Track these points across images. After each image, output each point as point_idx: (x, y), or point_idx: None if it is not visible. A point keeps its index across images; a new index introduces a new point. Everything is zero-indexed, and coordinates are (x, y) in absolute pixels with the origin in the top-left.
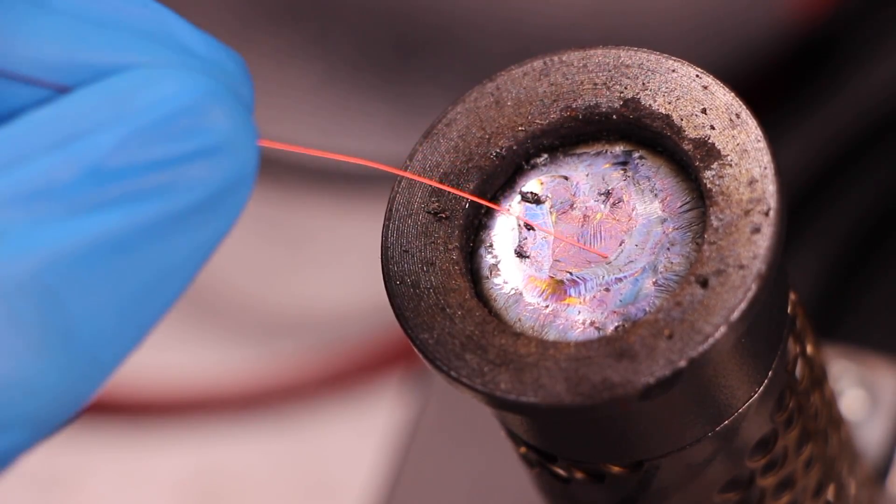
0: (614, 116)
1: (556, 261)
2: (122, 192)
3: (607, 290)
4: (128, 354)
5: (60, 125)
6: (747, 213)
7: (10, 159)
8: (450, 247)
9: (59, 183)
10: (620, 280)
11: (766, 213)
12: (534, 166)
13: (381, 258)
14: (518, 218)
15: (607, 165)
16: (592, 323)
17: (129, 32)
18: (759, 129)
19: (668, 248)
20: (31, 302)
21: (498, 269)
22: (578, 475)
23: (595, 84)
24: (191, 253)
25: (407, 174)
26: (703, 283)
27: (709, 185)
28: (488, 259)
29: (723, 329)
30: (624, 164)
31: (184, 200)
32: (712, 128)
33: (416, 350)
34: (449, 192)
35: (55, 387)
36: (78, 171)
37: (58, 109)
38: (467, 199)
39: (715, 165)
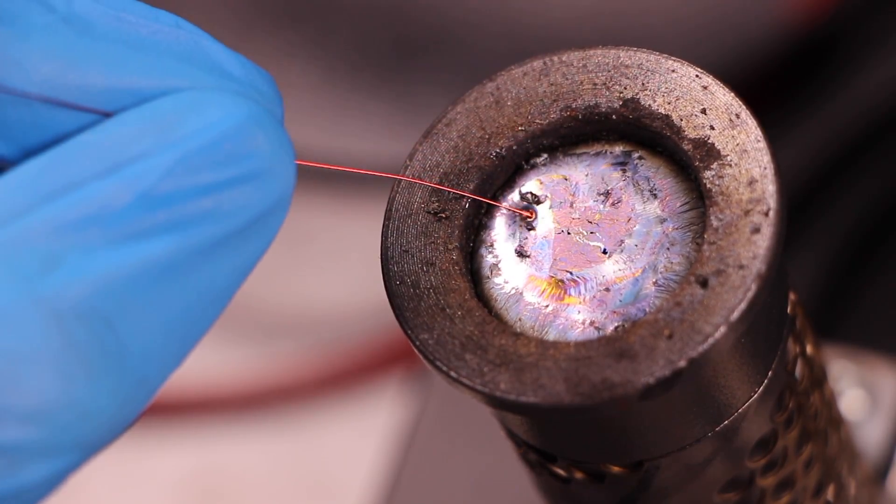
0: (614, 116)
1: (556, 260)
2: (170, 218)
3: (607, 290)
4: (172, 372)
5: (109, 150)
6: (747, 213)
7: (62, 185)
8: (450, 247)
9: (111, 209)
10: (620, 280)
11: (766, 214)
12: (533, 166)
13: (381, 258)
14: (515, 210)
15: (607, 165)
16: (592, 323)
17: (167, 56)
18: (758, 129)
19: (668, 248)
20: (84, 326)
21: (498, 269)
22: (578, 475)
23: (595, 84)
24: (232, 273)
25: (430, 183)
26: (703, 283)
27: (709, 186)
28: (489, 259)
29: (723, 329)
30: (623, 164)
31: (229, 224)
32: (712, 128)
33: (416, 350)
34: (449, 193)
35: (106, 409)
36: (130, 197)
37: (105, 134)
38: (468, 199)
39: (715, 165)
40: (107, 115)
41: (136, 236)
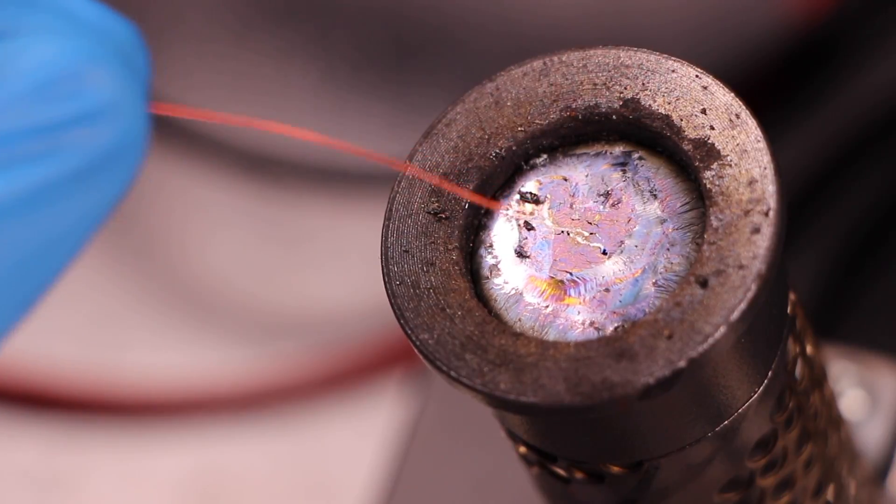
0: (614, 117)
1: (556, 261)
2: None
3: (607, 290)
4: (13, 327)
5: None
6: (747, 213)
7: None
8: (450, 247)
9: None
10: (620, 280)
11: (766, 214)
12: (533, 167)
13: (381, 258)
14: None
15: (607, 166)
16: (592, 323)
17: (8, 1)
18: (758, 129)
19: (668, 249)
20: None
21: (498, 270)
22: (578, 475)
23: (595, 84)
24: (78, 220)
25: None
26: (703, 284)
27: (709, 186)
28: (488, 259)
29: (722, 329)
30: (623, 164)
31: (65, 166)
32: (712, 128)
33: (416, 350)
34: (449, 193)
35: None
36: None
37: None
38: (467, 199)
39: (715, 166)
40: None
41: None
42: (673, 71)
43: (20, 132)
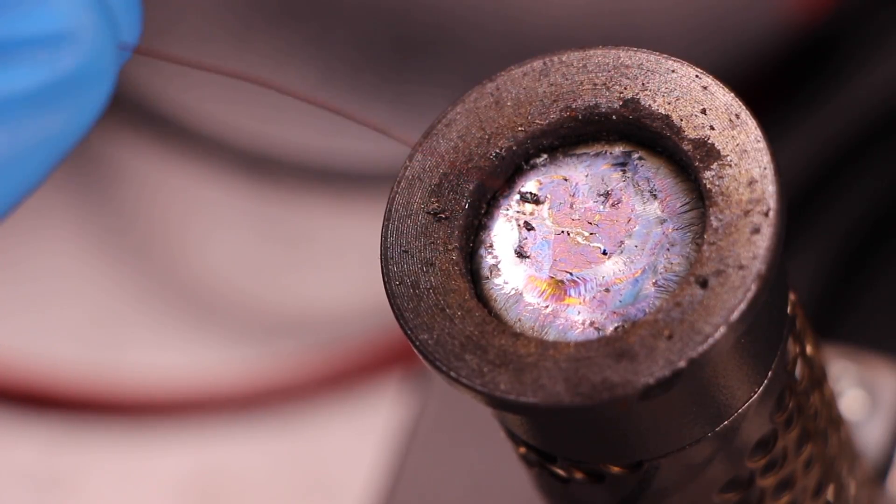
0: (614, 117)
1: (556, 261)
2: None
3: (607, 290)
4: None
5: None
6: (747, 213)
7: None
8: (449, 247)
9: None
10: (620, 280)
11: (766, 214)
12: (533, 167)
13: (381, 259)
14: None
15: (607, 166)
16: (592, 323)
17: None
18: (758, 129)
19: (668, 249)
20: None
21: (498, 270)
22: (578, 475)
23: (595, 84)
24: (37, 145)
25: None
26: (703, 284)
27: (708, 186)
28: (488, 259)
29: (722, 329)
30: (623, 164)
31: (22, 83)
32: (712, 128)
33: (415, 350)
34: (448, 193)
35: None
36: None
37: None
38: (467, 199)
39: (714, 166)
40: None
41: None
42: (673, 71)
43: None
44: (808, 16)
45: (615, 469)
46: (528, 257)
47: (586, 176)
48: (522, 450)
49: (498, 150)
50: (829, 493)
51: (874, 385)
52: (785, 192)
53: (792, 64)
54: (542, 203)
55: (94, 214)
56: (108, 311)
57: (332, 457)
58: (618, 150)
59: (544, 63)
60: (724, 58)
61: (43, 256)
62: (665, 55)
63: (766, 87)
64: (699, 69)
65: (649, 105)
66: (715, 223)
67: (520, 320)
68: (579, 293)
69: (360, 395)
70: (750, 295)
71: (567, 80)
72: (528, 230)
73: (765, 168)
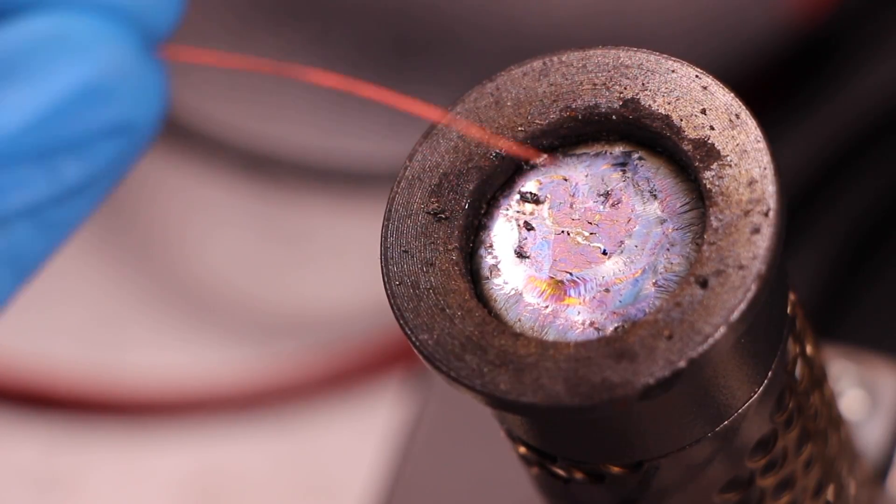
0: (614, 117)
1: (555, 261)
2: (12, 179)
3: (607, 290)
4: (12, 293)
5: None
6: (747, 213)
7: None
8: (449, 247)
9: None
10: (620, 280)
11: (766, 214)
12: (533, 167)
13: (381, 259)
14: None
15: (607, 166)
16: (592, 323)
17: None
18: (758, 129)
19: (668, 249)
20: None
21: (498, 270)
22: (578, 475)
23: (594, 84)
24: (74, 215)
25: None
26: (703, 284)
27: (708, 186)
28: (488, 259)
29: (722, 329)
30: (623, 164)
31: (80, 175)
32: (712, 128)
33: (415, 350)
34: (448, 193)
35: None
36: None
37: None
38: (467, 199)
39: (714, 166)
40: None
41: None
42: (673, 71)
43: (41, 148)
44: (808, 16)
45: (615, 469)
46: (527, 257)
47: (586, 176)
48: (522, 450)
49: (498, 150)
50: (829, 493)
51: (874, 385)
52: (785, 192)
53: (792, 64)
54: (542, 203)
55: (93, 214)
56: (108, 311)
57: (332, 457)
58: (618, 150)
59: (544, 63)
60: (724, 58)
61: None
62: (665, 55)
63: (766, 87)
64: (699, 69)
65: (649, 105)
66: (715, 223)
67: (520, 320)
68: (579, 293)
69: (360, 395)
70: (750, 295)
71: (567, 80)
72: (528, 230)
73: (765, 168)
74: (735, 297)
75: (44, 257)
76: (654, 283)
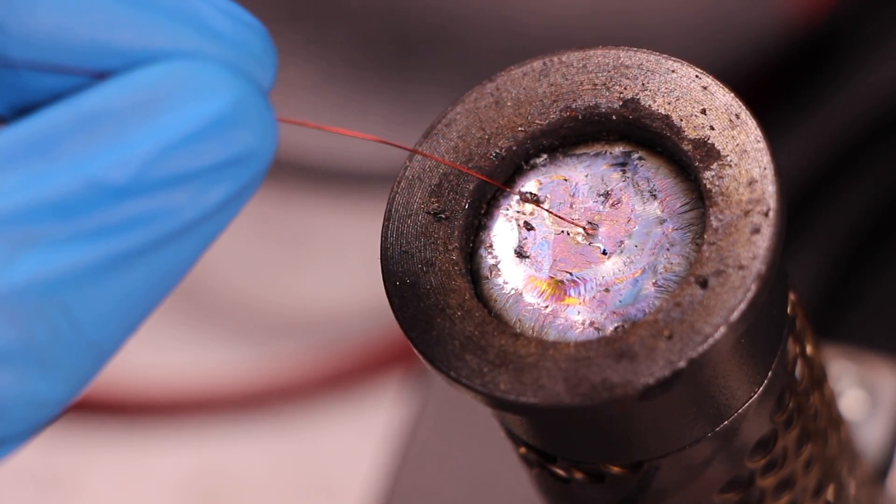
0: (614, 117)
1: (555, 261)
2: (142, 210)
3: (607, 290)
4: (126, 341)
5: (84, 139)
6: (747, 213)
7: (31, 176)
8: (449, 247)
9: (79, 202)
10: (620, 281)
11: (766, 214)
12: (533, 167)
13: (381, 258)
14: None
15: (606, 166)
16: (592, 323)
17: (155, 12)
18: (758, 129)
19: (668, 249)
20: (42, 320)
21: (498, 270)
22: (578, 475)
23: (595, 84)
24: (195, 250)
25: (419, 152)
26: (703, 284)
27: (708, 186)
28: (488, 259)
29: (722, 329)
30: (623, 164)
31: (199, 211)
32: (712, 128)
33: (415, 350)
34: (448, 193)
35: (61, 396)
36: (99, 192)
37: (81, 115)
38: (467, 199)
39: (714, 166)
40: (95, 75)
41: (103, 230)
42: (673, 71)
43: (165, 182)
44: (808, 16)
45: (615, 469)
46: (527, 257)
47: (586, 176)
48: (522, 450)
49: (498, 150)
50: (829, 493)
51: (874, 385)
52: (785, 192)
53: (792, 64)
54: (543, 203)
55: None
56: None
57: (332, 457)
58: (618, 150)
59: (544, 63)
60: (724, 58)
61: None
62: (665, 55)
63: (766, 87)
64: (699, 69)
65: (649, 105)
66: (715, 223)
67: (520, 320)
68: (579, 293)
69: (360, 395)
70: (750, 295)
71: (567, 80)
72: (528, 230)
73: (765, 168)
74: (735, 297)
75: (158, 301)
76: (654, 283)
